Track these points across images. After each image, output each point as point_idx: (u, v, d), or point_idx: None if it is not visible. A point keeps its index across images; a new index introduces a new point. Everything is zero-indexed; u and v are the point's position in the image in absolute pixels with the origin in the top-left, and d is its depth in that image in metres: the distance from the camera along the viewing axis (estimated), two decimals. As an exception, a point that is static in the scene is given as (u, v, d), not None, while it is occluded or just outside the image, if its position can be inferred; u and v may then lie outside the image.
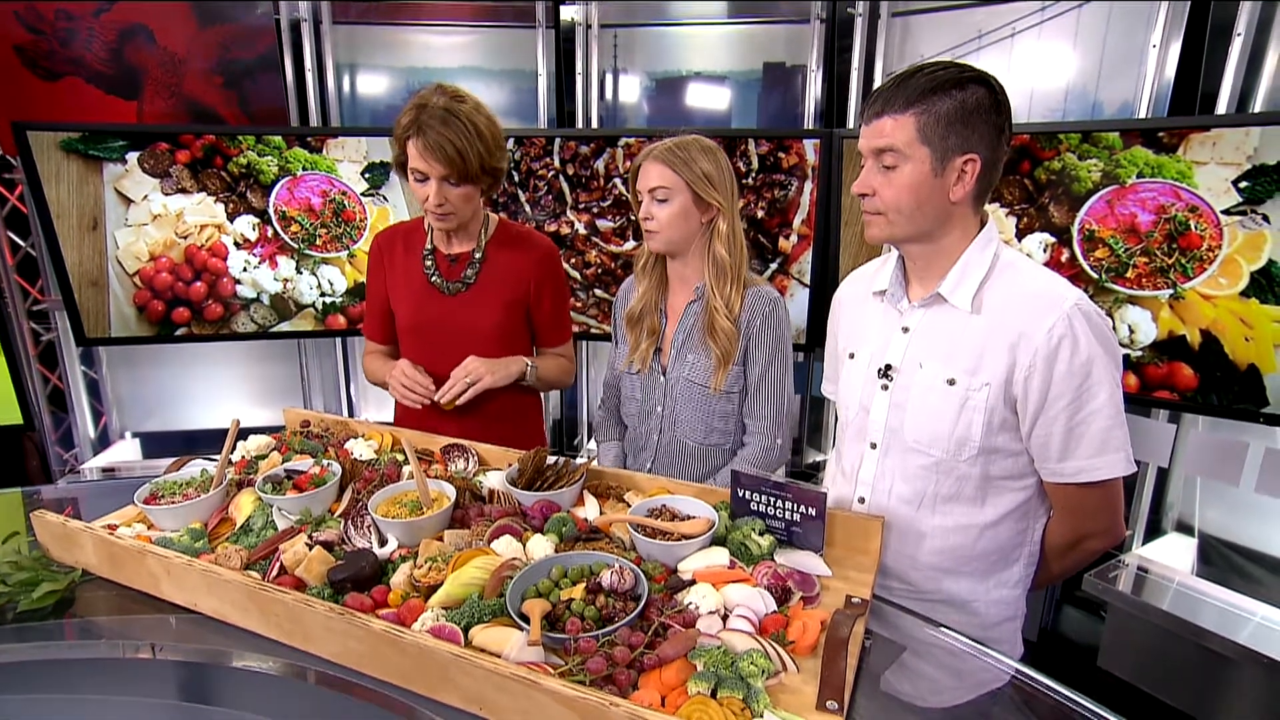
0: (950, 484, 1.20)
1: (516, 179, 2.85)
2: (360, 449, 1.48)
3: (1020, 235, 2.29)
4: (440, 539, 1.18)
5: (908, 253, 1.23)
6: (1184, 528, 2.52)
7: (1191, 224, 2.04)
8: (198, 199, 2.74)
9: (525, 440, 1.67)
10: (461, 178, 1.56)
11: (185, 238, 2.76)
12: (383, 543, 1.20)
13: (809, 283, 2.71)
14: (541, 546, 1.14)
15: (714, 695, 0.87)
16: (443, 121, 1.51)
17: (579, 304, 2.96)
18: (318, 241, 2.83)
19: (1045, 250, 2.25)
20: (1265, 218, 1.95)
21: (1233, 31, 2.22)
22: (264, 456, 1.48)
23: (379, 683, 0.98)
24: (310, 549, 1.14)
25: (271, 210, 2.78)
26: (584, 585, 1.03)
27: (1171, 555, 2.43)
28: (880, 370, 1.26)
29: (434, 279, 1.73)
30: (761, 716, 0.85)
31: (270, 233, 2.80)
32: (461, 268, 1.73)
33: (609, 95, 3.26)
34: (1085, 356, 1.08)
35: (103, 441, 3.26)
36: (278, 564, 1.12)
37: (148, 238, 2.72)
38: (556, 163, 2.81)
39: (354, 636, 0.97)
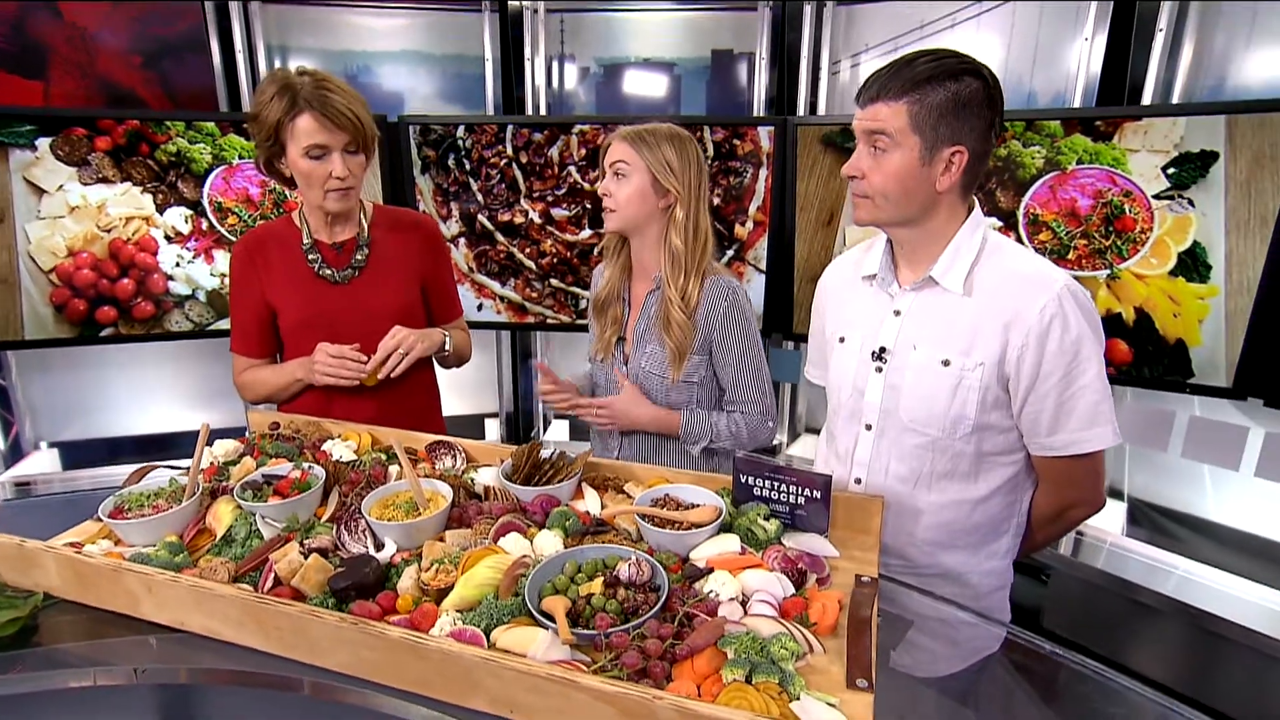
0: (945, 461, 1.24)
1: (468, 167, 2.78)
2: (339, 450, 1.42)
3: (969, 220, 2.38)
4: (442, 540, 1.15)
5: (895, 237, 1.26)
6: (1114, 493, 2.70)
7: (1126, 208, 2.16)
8: (122, 189, 2.55)
9: (433, 419, 1.80)
10: (359, 145, 1.57)
11: (109, 231, 2.57)
12: (379, 547, 1.16)
13: (765, 269, 2.75)
14: (550, 542, 1.12)
15: (748, 681, 0.88)
16: (334, 90, 1.51)
17: (534, 294, 2.92)
18: (255, 234, 2.68)
19: (992, 234, 2.34)
20: (1190, 202, 2.09)
21: (1155, 27, 2.36)
22: (234, 462, 1.40)
23: (393, 691, 0.95)
24: (305, 557, 1.09)
25: (206, 201, 2.62)
26: (602, 579, 1.02)
27: (1104, 518, 2.60)
28: (874, 353, 1.29)
29: (323, 271, 1.67)
30: (799, 699, 0.86)
31: (205, 225, 2.64)
32: (349, 254, 1.68)
33: (555, 82, 3.21)
34: (1075, 335, 1.13)
35: (15, 453, 3.01)
36: (271, 575, 1.07)
37: (65, 231, 2.52)
38: (509, 150, 2.75)
39: (368, 646, 0.93)
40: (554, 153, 2.74)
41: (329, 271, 1.66)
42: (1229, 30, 2.29)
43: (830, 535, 1.19)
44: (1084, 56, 2.52)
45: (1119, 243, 2.19)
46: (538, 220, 2.82)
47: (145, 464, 1.39)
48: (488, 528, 1.16)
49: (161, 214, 2.60)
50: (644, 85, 3.26)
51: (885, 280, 1.30)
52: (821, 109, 3.04)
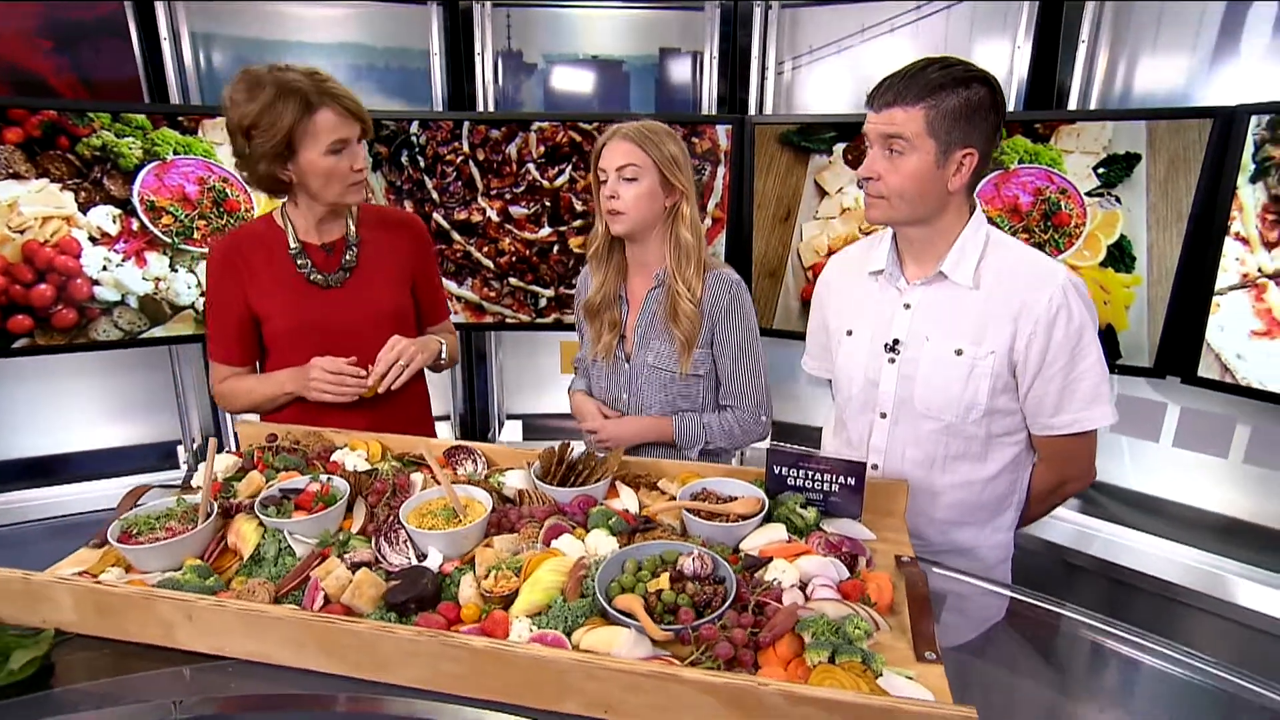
0: (958, 444, 1.32)
1: (422, 165, 2.70)
2: (352, 460, 1.36)
3: (920, 216, 2.51)
4: (490, 545, 1.13)
5: (904, 235, 1.33)
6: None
7: (1062, 204, 2.35)
8: (36, 186, 2.33)
9: (427, 427, 1.78)
10: (366, 134, 1.56)
11: (22, 232, 2.35)
12: (421, 557, 1.13)
13: (723, 265, 2.81)
14: (603, 542, 1.12)
15: (831, 662, 0.92)
16: (333, 82, 1.50)
17: (492, 293, 2.87)
18: (195, 235, 2.52)
19: (942, 229, 2.49)
20: (1118, 199, 2.29)
21: (1078, 36, 2.57)
22: (236, 478, 1.33)
23: (470, 701, 0.93)
24: (352, 572, 1.05)
25: (136, 200, 2.43)
26: (667, 575, 1.04)
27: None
28: (887, 345, 1.36)
29: (313, 276, 1.59)
30: (881, 675, 0.91)
31: (136, 225, 2.45)
32: (338, 256, 1.63)
33: (502, 78, 3.16)
34: (1078, 323, 1.23)
35: (-93, 480, 2.71)
36: (320, 593, 1.02)
37: (-29, 233, 2.29)
38: (465, 148, 2.69)
39: (449, 658, 0.91)
40: (512, 150, 2.70)
41: (319, 276, 1.58)
42: (1134, 43, 2.53)
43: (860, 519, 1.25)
44: (1015, 62, 2.71)
45: (1056, 236, 2.37)
46: (495, 218, 2.77)
47: (136, 486, 1.30)
48: (534, 531, 1.16)
49: (85, 213, 2.40)
50: (592, 82, 3.25)
51: (893, 275, 1.37)
52: (768, 108, 3.12)
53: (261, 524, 1.17)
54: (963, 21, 2.83)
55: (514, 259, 2.82)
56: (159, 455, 3.02)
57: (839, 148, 2.57)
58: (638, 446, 1.70)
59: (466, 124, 2.67)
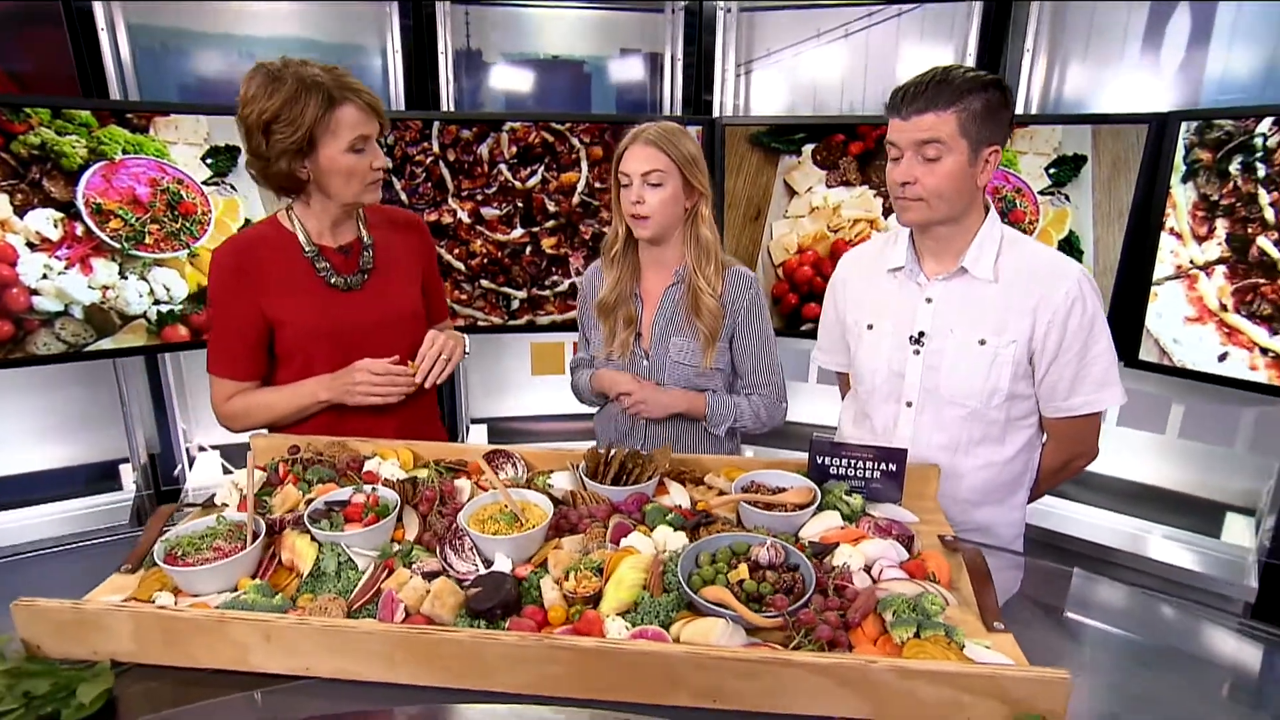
0: (981, 429, 1.41)
1: (390, 165, 2.62)
2: (388, 469, 1.32)
3: (886, 213, 2.63)
4: (559, 547, 1.13)
5: (933, 234, 1.41)
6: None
7: (1018, 202, 2.51)
8: (-34, 189, 2.14)
9: (439, 431, 1.76)
10: (384, 131, 1.53)
11: (-51, 239, 2.15)
12: (488, 564, 1.12)
13: (735, 261, 2.85)
14: (672, 537, 1.14)
15: (916, 637, 0.97)
16: (352, 78, 1.45)
17: (464, 296, 2.82)
18: (147, 239, 2.36)
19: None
20: (1067, 197, 2.47)
21: (1024, 45, 2.75)
22: (265, 493, 1.27)
23: (571, 702, 0.93)
24: (428, 581, 1.03)
25: (81, 202, 2.26)
26: (745, 565, 1.06)
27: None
28: (912, 337, 1.43)
29: (333, 279, 1.53)
30: (964, 646, 0.96)
31: (80, 230, 2.28)
32: (355, 258, 1.58)
33: (462, 77, 3.11)
34: (1091, 313, 1.34)
35: None
36: (399, 605, 1.00)
37: (-107, 241, 2.07)
38: (435, 148, 2.63)
39: (555, 661, 0.91)
40: (483, 150, 2.66)
41: (339, 279, 1.53)
42: (1069, 48, 2.73)
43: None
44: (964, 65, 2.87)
45: (1012, 232, 2.53)
46: (467, 220, 2.72)
47: (164, 507, 1.23)
48: (599, 531, 1.16)
49: (21, 217, 2.21)
50: (554, 82, 3.24)
51: (913, 272, 1.44)
52: (729, 109, 3.19)
53: (314, 538, 1.12)
54: (913, 26, 2.98)
55: (486, 261, 2.78)
56: (99, 476, 2.82)
57: (808, 148, 2.66)
58: (666, 422, 1.73)
59: (436, 124, 2.61)
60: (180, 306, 2.44)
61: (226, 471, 2.94)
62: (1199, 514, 2.71)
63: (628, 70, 3.26)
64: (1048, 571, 1.40)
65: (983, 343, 1.37)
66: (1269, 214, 2.17)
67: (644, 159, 1.56)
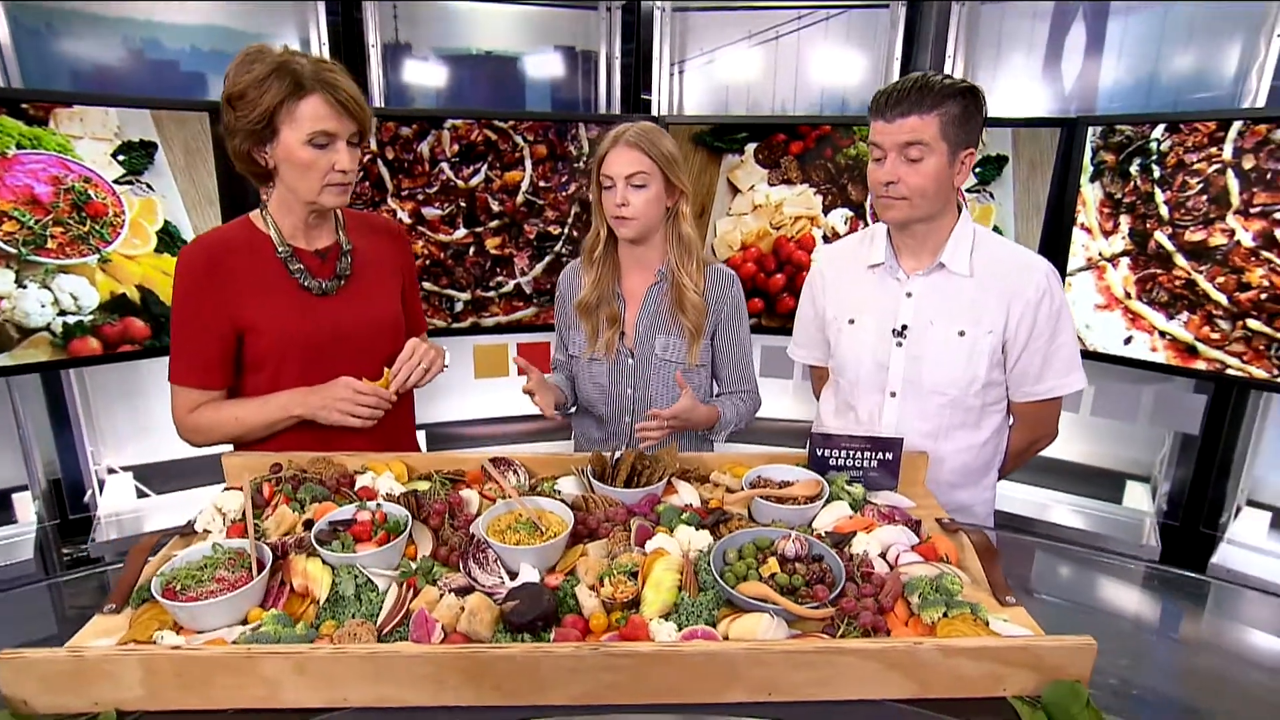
0: (959, 415, 1.49)
1: (356, 170, 2.48)
2: (385, 484, 1.26)
3: (826, 210, 2.73)
4: (585, 555, 1.11)
5: (911, 231, 1.47)
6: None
7: (946, 200, 2.66)
8: None
9: (414, 444, 1.72)
10: (363, 136, 1.44)
11: None
12: (513, 575, 1.09)
13: (714, 258, 2.86)
14: (696, 537, 1.14)
15: (945, 616, 1.02)
16: (339, 74, 1.36)
17: (405, 299, 2.71)
18: (49, 244, 2.14)
19: (846, 222, 2.73)
20: (991, 194, 2.64)
21: (945, 51, 2.91)
22: (257, 516, 1.18)
23: (625, 709, 0.92)
24: (461, 598, 0.99)
25: (-29, 203, 2.02)
26: (774, 559, 1.08)
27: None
28: (894, 331, 1.49)
29: (308, 282, 1.45)
30: (989, 622, 1.02)
31: (-28, 234, 2.03)
32: (332, 263, 1.50)
33: (391, 73, 2.98)
34: (1058, 304, 1.44)
35: None
36: (436, 625, 0.95)
37: None
38: (373, 145, 2.51)
39: (612, 669, 0.90)
40: (424, 148, 2.56)
41: (314, 282, 1.43)
42: (979, 58, 2.93)
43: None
44: (888, 70, 3.02)
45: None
46: (408, 220, 2.62)
47: (144, 537, 1.11)
48: (622, 535, 1.15)
49: (-102, 221, 1.96)
50: (486, 79, 3.16)
51: (892, 268, 1.51)
52: (664, 108, 3.22)
53: (325, 561, 1.06)
54: (840, 30, 3.11)
55: (428, 262, 2.68)
56: (-10, 506, 2.53)
57: (750, 147, 2.72)
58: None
59: (373, 120, 2.49)
60: (91, 317, 2.23)
61: (141, 495, 2.71)
62: (1104, 483, 2.97)
63: (561, 67, 3.22)
64: (1009, 543, 1.50)
65: (962, 334, 1.46)
66: (1164, 211, 2.40)
67: (627, 161, 1.56)
